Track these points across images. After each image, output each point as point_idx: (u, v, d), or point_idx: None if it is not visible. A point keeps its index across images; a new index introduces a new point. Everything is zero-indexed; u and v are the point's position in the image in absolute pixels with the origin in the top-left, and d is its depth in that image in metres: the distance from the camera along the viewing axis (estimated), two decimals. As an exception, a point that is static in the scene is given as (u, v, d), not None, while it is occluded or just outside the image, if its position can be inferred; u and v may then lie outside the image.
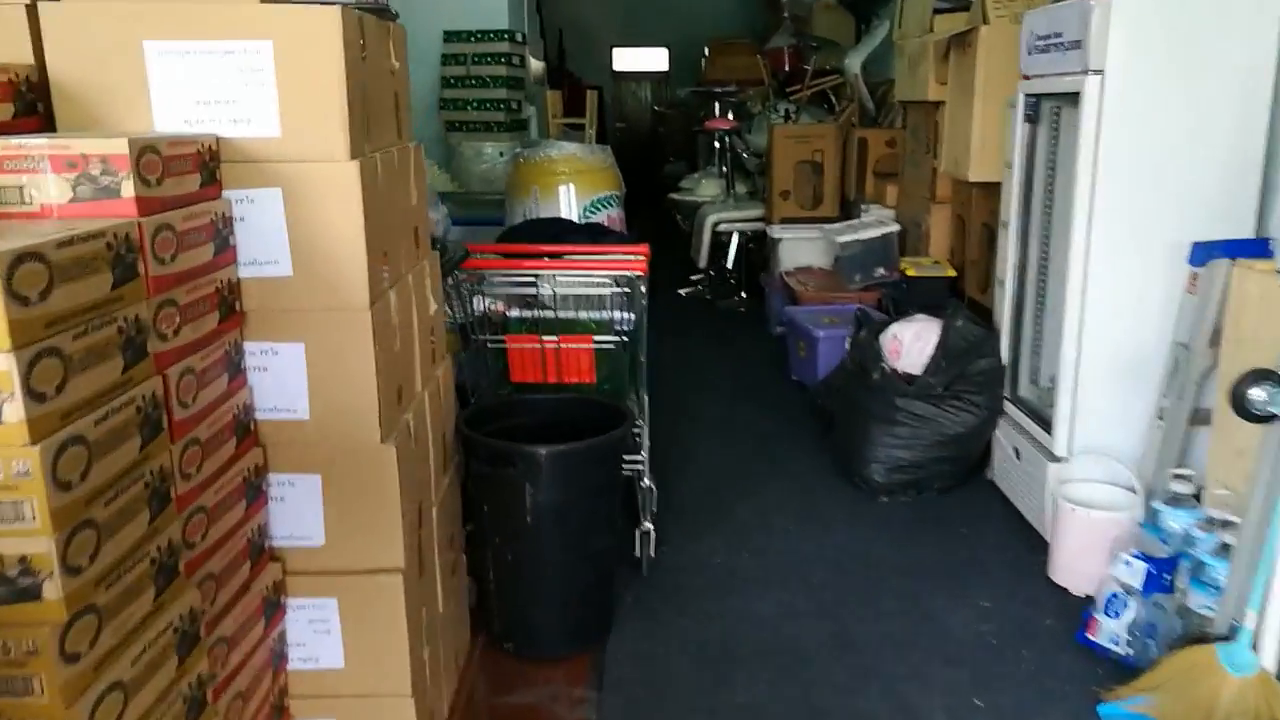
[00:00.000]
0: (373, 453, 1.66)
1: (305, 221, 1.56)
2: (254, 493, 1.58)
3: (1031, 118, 2.94)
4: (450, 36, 5.77)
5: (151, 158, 1.26)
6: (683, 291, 6.64)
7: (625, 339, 2.57)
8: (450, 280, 2.49)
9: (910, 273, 4.21)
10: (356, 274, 1.59)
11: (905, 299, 4.32)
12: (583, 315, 2.59)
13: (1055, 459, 2.76)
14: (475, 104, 5.77)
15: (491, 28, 5.74)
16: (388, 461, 1.67)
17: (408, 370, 1.87)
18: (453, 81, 5.80)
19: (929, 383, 3.09)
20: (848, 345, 4.02)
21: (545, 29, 10.22)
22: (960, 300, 4.16)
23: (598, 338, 2.58)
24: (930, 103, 4.36)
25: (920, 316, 3.30)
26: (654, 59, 13.29)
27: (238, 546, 1.50)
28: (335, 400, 1.63)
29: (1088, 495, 2.64)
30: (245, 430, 1.56)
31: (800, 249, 5.33)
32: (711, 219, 5.97)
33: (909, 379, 3.15)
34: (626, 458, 2.65)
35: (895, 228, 4.75)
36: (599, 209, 3.64)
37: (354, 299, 1.60)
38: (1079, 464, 2.70)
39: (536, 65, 7.60)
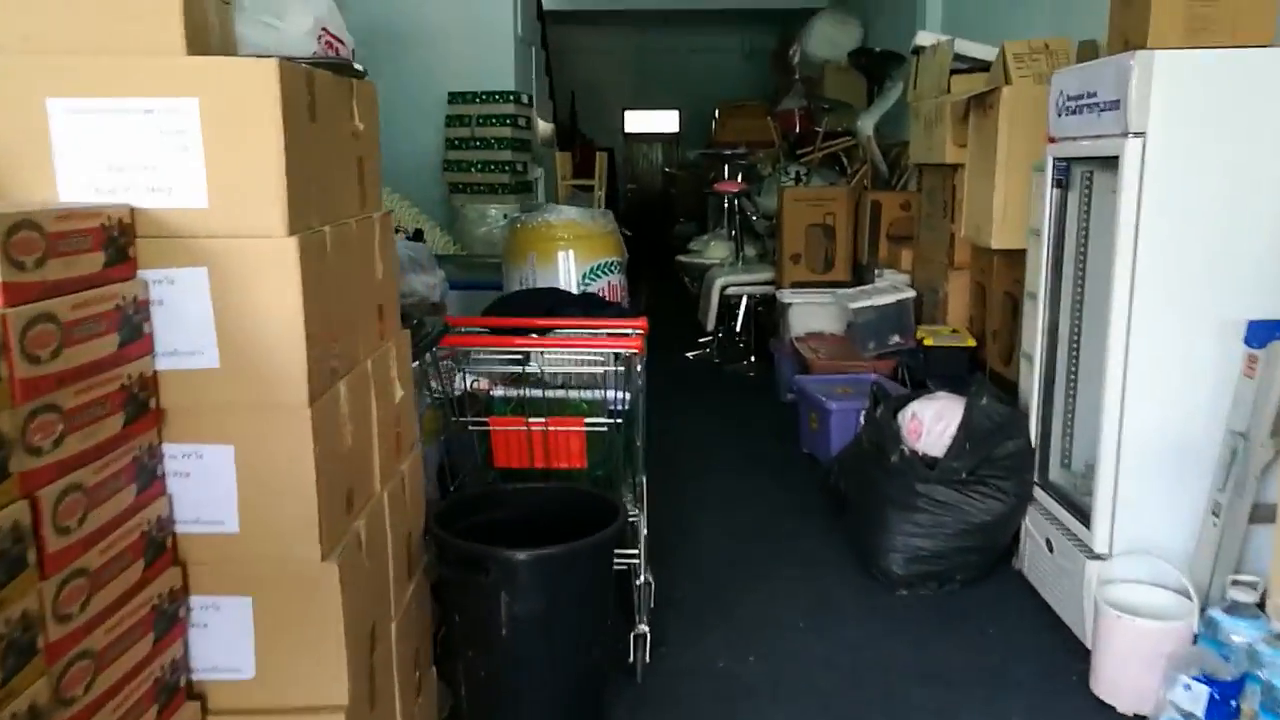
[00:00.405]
0: (312, 571, 1.42)
1: (235, 305, 1.34)
2: (168, 622, 1.34)
3: (1061, 183, 2.74)
4: (455, 98, 5.65)
5: (27, 235, 1.05)
6: (690, 355, 6.42)
7: (620, 421, 2.34)
8: (428, 357, 2.28)
9: (928, 342, 3.99)
10: (294, 365, 1.37)
11: (923, 369, 4.09)
12: (574, 395, 2.36)
13: (1095, 556, 2.50)
14: (479, 165, 5.62)
15: (497, 89, 5.62)
16: (329, 582, 1.43)
17: (362, 470, 1.64)
18: (457, 143, 5.67)
19: (952, 467, 2.84)
20: (862, 421, 3.78)
21: (556, 91, 10.19)
22: (981, 372, 3.93)
23: (590, 420, 2.35)
24: (947, 165, 4.17)
25: (941, 394, 3.06)
26: (665, 121, 13.28)
27: (140, 691, 1.26)
28: (269, 511, 1.40)
29: (1133, 599, 2.37)
30: (159, 548, 1.33)
31: (811, 314, 5.12)
32: (720, 282, 5.78)
33: (930, 462, 2.90)
34: (620, 551, 2.41)
35: (911, 294, 4.53)
36: (599, 276, 3.44)
37: (291, 395, 1.38)
38: (1122, 563, 2.44)
39: (545, 127, 7.49)
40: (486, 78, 5.85)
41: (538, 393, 2.35)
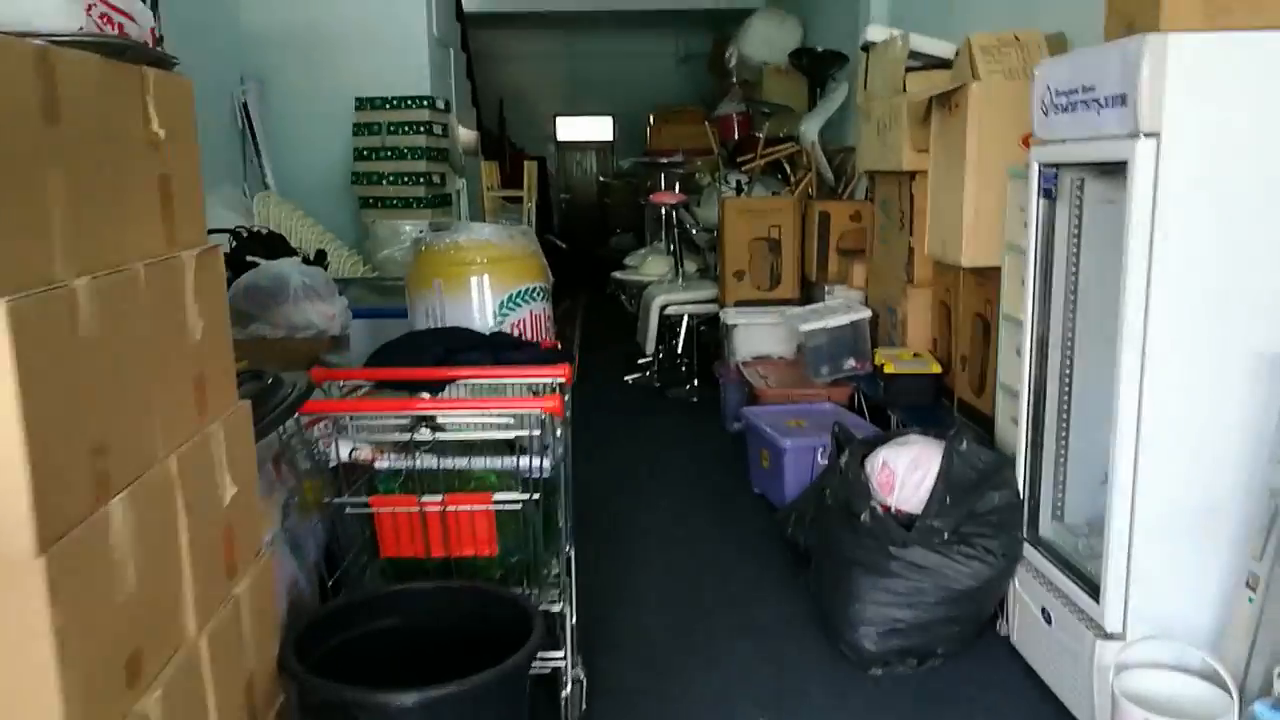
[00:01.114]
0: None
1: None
2: None
3: (1050, 192, 2.36)
4: (363, 104, 5.15)
5: None
6: (629, 379, 5.99)
7: (537, 496, 1.89)
8: (291, 425, 1.81)
9: (889, 369, 3.60)
10: (10, 498, 0.90)
11: (882, 398, 3.70)
12: (478, 464, 1.91)
13: (1106, 635, 2.11)
14: (391, 178, 5.13)
15: (410, 94, 5.13)
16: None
17: (158, 619, 1.17)
18: (366, 153, 5.16)
19: (932, 526, 2.44)
20: (822, 461, 3.38)
21: (480, 97, 9.69)
22: (948, 400, 3.56)
23: (499, 496, 1.89)
24: (904, 173, 3.80)
25: (914, 437, 2.66)
26: (599, 128, 12.84)
27: None
28: (-19, 714, 0.93)
29: (1157, 689, 1.99)
30: None
31: (757, 335, 4.72)
32: (659, 301, 5.35)
33: (906, 520, 2.50)
34: (544, 655, 1.96)
35: (865, 314, 4.15)
36: (518, 305, 2.98)
37: (10, 542, 0.91)
38: (1141, 648, 2.06)
39: (468, 135, 7.01)
40: (399, 82, 5.35)
41: (433, 461, 1.89)
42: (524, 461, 1.87)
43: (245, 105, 5.26)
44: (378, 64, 5.51)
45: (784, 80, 7.16)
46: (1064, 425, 2.51)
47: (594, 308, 8.62)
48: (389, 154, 5.12)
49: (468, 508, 1.88)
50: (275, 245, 4.29)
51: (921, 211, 3.74)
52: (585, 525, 3.58)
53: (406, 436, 1.84)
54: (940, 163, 3.22)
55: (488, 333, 2.93)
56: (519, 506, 1.89)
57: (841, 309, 4.26)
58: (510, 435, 1.84)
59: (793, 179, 6.03)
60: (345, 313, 3.84)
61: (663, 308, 5.36)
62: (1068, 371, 2.49)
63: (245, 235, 4.27)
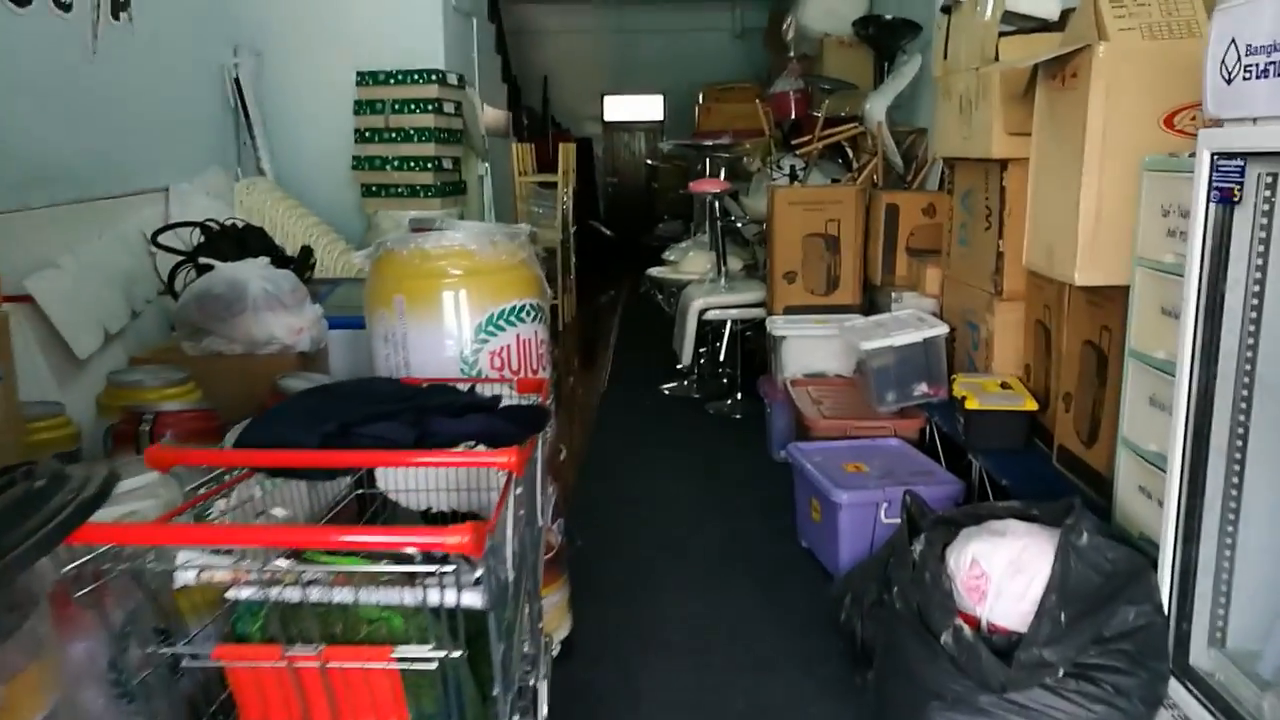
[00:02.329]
0: None
1: None
2: None
3: (1228, 193, 1.65)
4: (364, 78, 4.55)
5: None
6: (666, 388, 5.35)
7: (457, 654, 1.26)
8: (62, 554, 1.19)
9: (970, 403, 2.90)
10: None
11: (962, 438, 3.01)
12: (372, 598, 1.28)
13: None
14: (396, 163, 4.53)
15: (418, 66, 4.51)
16: None
17: None
18: (368, 134, 4.57)
19: (1040, 658, 1.76)
20: (887, 523, 2.71)
21: (521, 74, 9.09)
22: (1046, 446, 2.85)
23: (403, 650, 1.27)
24: (993, 161, 3.09)
25: (1016, 526, 1.98)
26: (649, 108, 12.16)
27: None
28: None
29: None
30: None
31: (810, 349, 4.04)
32: (697, 304, 4.69)
33: (1004, 644, 1.82)
34: None
35: (941, 329, 3.45)
36: (502, 328, 2.35)
37: None
38: None
39: (496, 114, 6.39)
40: (410, 54, 4.74)
41: (315, 593, 1.27)
42: (441, 597, 1.24)
43: (238, 80, 4.70)
44: (387, 34, 4.91)
45: (847, 53, 6.43)
46: (1231, 511, 1.81)
47: (637, 300, 7.95)
48: (393, 135, 4.52)
49: (358, 664, 1.26)
50: (251, 241, 3.72)
51: (1016, 210, 3.02)
52: (596, 573, 3.01)
53: (259, 564, 1.22)
54: (1047, 149, 2.50)
55: (460, 373, 2.32)
56: (433, 665, 1.26)
57: (911, 322, 3.56)
58: (415, 569, 1.21)
59: (855, 165, 5.31)
60: (317, 325, 3.26)
61: (702, 312, 4.69)
62: (1240, 438, 1.78)
63: (217, 230, 3.70)
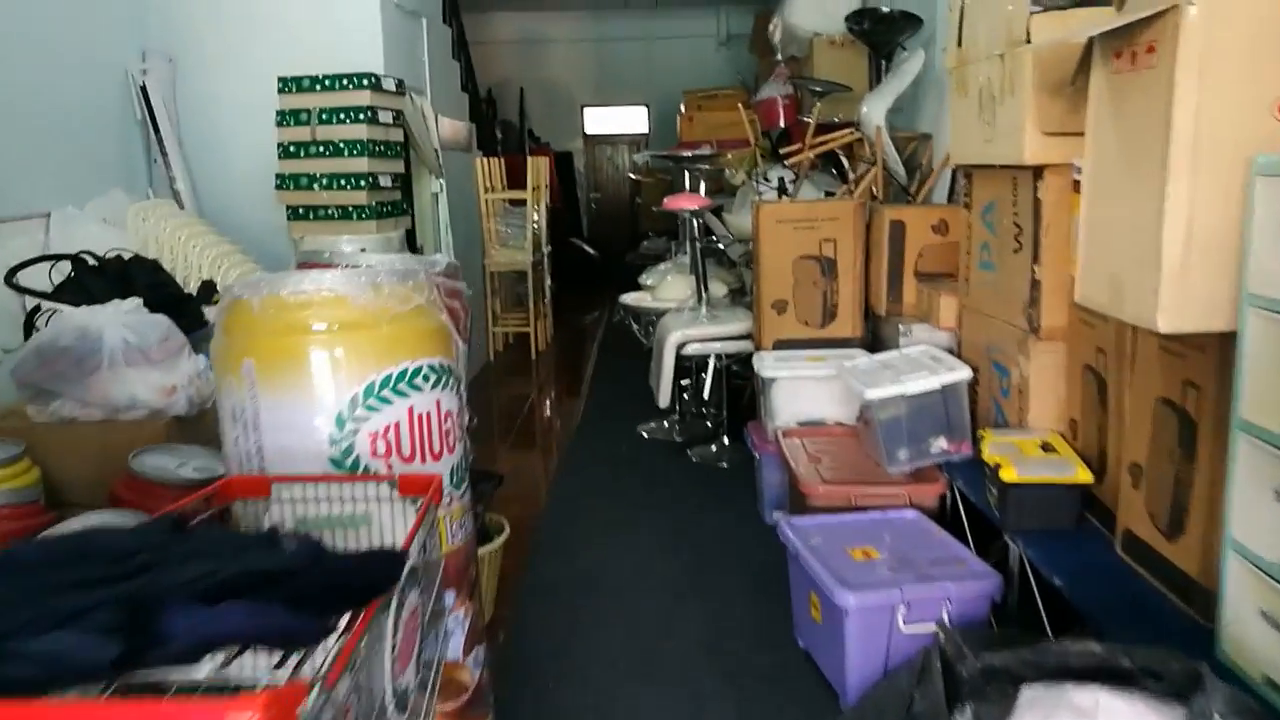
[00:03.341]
0: None
1: None
2: None
3: None
4: (287, 85, 3.96)
5: None
6: (645, 429, 4.74)
7: None
8: None
9: (1008, 473, 2.30)
10: None
11: (995, 515, 2.40)
12: None
13: None
14: (325, 180, 3.93)
15: (350, 70, 3.92)
16: None
17: None
18: (292, 149, 3.97)
19: None
20: (906, 634, 2.11)
21: (489, 83, 8.51)
22: (1108, 530, 2.25)
23: None
24: (1024, 168, 2.50)
25: (1108, 699, 1.37)
26: (632, 119, 11.60)
27: None
28: None
29: None
30: None
31: (805, 393, 3.44)
32: (675, 337, 4.09)
33: None
34: None
35: (963, 374, 2.85)
36: (389, 399, 1.75)
37: None
38: None
39: (453, 126, 5.80)
40: (344, 58, 4.15)
41: None
42: None
43: (144, 89, 4.11)
44: (319, 35, 4.33)
45: (839, 54, 5.86)
46: None
47: (617, 333, 7.34)
48: (320, 149, 3.92)
49: None
50: (137, 276, 3.12)
51: (1056, 228, 2.44)
52: (538, 696, 2.41)
53: None
54: (1110, 150, 1.91)
55: (328, 463, 1.72)
56: None
57: (925, 363, 2.96)
58: None
59: (851, 176, 4.73)
60: (199, 381, 2.65)
61: (680, 346, 4.09)
62: None
63: (95, 263, 3.11)
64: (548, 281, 7.20)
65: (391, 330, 1.79)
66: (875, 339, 3.68)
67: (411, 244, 5.04)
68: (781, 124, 6.33)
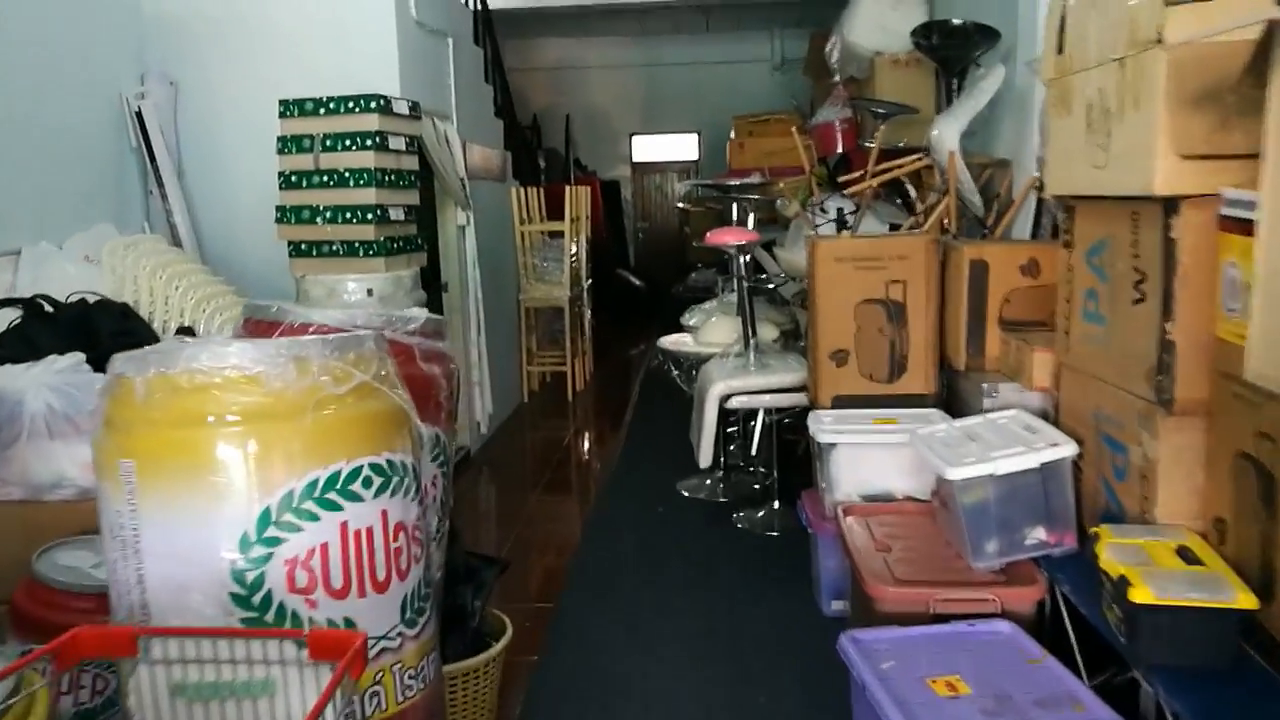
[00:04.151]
0: None
1: None
2: None
3: None
4: (288, 109, 3.58)
5: None
6: (685, 488, 4.25)
7: None
8: None
9: (1140, 593, 1.77)
10: None
11: (1123, 644, 1.87)
12: None
13: None
14: (329, 214, 3.53)
15: (352, 93, 3.54)
16: None
17: None
18: (294, 179, 3.59)
19: None
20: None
21: (511, 101, 8.14)
22: (1275, 669, 1.71)
23: None
24: (1152, 200, 1.99)
25: None
26: (682, 147, 11.19)
27: None
28: None
29: None
30: None
31: (870, 462, 2.93)
32: (717, 389, 3.60)
33: None
34: None
35: (1067, 449, 2.32)
36: (313, 514, 1.30)
37: None
38: None
39: (485, 154, 5.42)
40: (354, 79, 3.78)
41: None
42: None
43: (140, 114, 3.76)
44: (331, 56, 3.97)
45: (902, 73, 5.38)
46: None
47: (651, 388, 6.83)
48: (324, 179, 3.53)
49: None
50: (100, 324, 2.73)
51: (1196, 276, 1.92)
52: None
53: None
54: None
55: (227, 602, 1.29)
56: None
57: (1017, 434, 2.44)
58: None
59: (919, 208, 4.23)
60: (145, 452, 2.23)
61: (724, 399, 3.61)
62: None
63: (50, 310, 2.73)
64: (587, 317, 6.77)
65: (321, 420, 1.34)
66: (951, 396, 3.17)
67: (432, 281, 4.64)
68: (839, 149, 5.84)
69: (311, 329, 1.75)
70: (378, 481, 1.38)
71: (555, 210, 6.47)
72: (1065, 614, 2.23)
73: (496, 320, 5.47)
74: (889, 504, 2.87)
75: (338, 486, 1.33)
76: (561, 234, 6.27)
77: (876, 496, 2.91)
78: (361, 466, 1.36)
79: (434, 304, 5.23)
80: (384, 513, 1.38)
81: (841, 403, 3.20)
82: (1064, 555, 2.31)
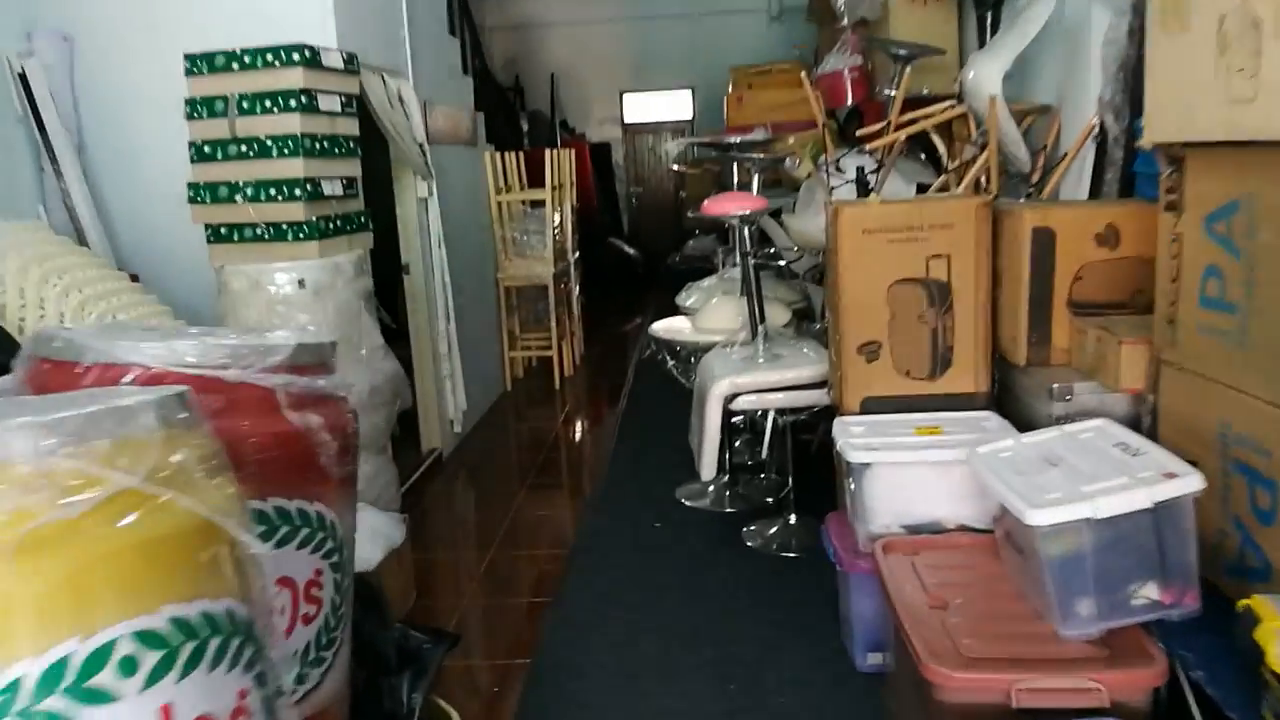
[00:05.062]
0: None
1: None
2: None
3: None
4: (196, 65, 2.97)
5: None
6: (685, 497, 3.69)
7: None
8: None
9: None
10: None
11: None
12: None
13: None
14: (249, 190, 2.94)
15: (272, 43, 2.92)
16: None
17: None
18: (206, 150, 2.99)
19: None
20: None
21: (483, 57, 7.49)
22: None
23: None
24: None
25: None
26: (676, 105, 10.52)
27: None
28: None
29: None
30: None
31: (914, 484, 2.35)
32: (720, 388, 3.03)
33: None
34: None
35: (1190, 483, 1.74)
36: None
37: None
38: None
39: (451, 116, 4.80)
40: (284, 30, 3.16)
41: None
42: None
43: (24, 76, 3.16)
44: (253, 2, 3.34)
45: (921, 12, 4.78)
46: None
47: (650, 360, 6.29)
48: (242, 149, 2.93)
49: None
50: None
51: None
52: None
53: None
54: None
55: None
56: None
57: (1108, 454, 1.87)
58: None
59: (948, 163, 3.63)
60: None
61: (728, 399, 3.03)
62: None
63: None
64: (575, 294, 6.18)
65: (30, 570, 0.76)
66: (1005, 396, 2.59)
67: (388, 265, 4.05)
68: (849, 101, 5.24)
69: (129, 374, 1.18)
70: (151, 661, 0.80)
71: (538, 177, 5.85)
72: (1193, 703, 1.67)
73: (472, 303, 4.89)
74: (938, 537, 2.30)
75: (65, 684, 0.76)
76: (543, 203, 5.66)
77: (921, 527, 2.34)
78: (114, 642, 0.78)
79: (392, 291, 4.64)
80: (166, 710, 0.81)
81: (873, 406, 2.62)
82: (1184, 619, 1.75)
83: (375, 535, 2.71)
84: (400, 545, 2.81)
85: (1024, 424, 2.38)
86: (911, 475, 2.34)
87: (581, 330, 6.44)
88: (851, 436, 2.43)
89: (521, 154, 6.04)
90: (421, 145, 4.03)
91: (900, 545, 2.27)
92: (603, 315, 7.84)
